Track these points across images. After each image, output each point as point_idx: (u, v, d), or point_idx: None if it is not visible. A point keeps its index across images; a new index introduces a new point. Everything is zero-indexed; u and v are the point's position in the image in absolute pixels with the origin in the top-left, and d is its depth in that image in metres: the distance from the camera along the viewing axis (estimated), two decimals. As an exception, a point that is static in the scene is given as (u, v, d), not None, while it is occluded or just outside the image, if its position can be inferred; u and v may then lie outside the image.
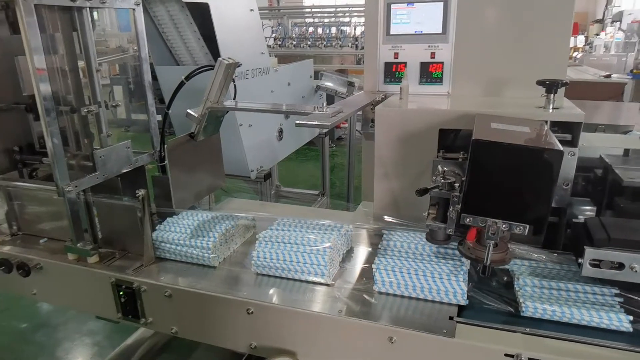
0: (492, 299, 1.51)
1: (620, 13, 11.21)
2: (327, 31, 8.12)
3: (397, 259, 1.61)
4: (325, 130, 4.44)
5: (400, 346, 1.39)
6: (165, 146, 1.71)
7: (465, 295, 1.48)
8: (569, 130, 1.68)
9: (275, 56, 7.30)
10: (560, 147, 1.23)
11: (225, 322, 1.64)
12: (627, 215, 1.61)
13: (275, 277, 1.71)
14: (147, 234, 1.78)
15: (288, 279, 1.69)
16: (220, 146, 2.00)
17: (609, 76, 4.46)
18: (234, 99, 2.05)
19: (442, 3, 2.03)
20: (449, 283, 1.49)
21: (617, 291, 1.45)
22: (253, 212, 2.11)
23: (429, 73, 2.14)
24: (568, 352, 1.29)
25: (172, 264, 1.84)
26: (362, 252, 1.89)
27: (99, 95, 1.97)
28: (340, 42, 7.83)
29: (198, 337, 1.75)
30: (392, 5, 2.11)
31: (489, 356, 1.32)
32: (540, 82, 1.72)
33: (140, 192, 1.74)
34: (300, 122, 1.50)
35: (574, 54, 12.93)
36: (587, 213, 1.81)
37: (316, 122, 1.50)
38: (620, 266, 1.37)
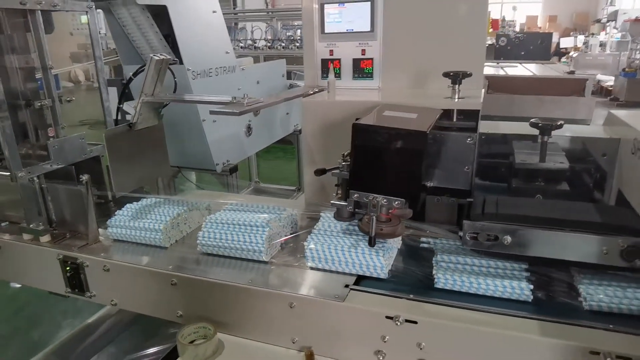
0: (418, 275, 1.63)
1: (615, 12, 11.24)
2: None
3: (328, 237, 1.73)
4: (299, 127, 4.63)
5: (299, 310, 1.55)
6: (103, 135, 1.88)
7: (386, 270, 1.61)
8: (471, 118, 1.83)
9: (263, 57, 7.53)
10: (425, 130, 1.37)
11: (154, 293, 1.81)
12: (519, 194, 1.76)
13: (219, 256, 1.85)
14: (91, 214, 1.96)
15: (230, 257, 1.83)
16: (164, 136, 2.18)
17: (572, 72, 4.59)
18: (174, 92, 2.21)
19: (369, 3, 2.18)
20: (370, 258, 1.62)
21: (527, 266, 1.57)
22: (208, 199, 2.28)
23: (361, 69, 2.30)
24: (444, 315, 1.42)
25: (126, 244, 1.99)
26: (306, 234, 2.02)
27: (53, 90, 2.17)
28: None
29: (134, 308, 1.92)
30: (325, 5, 2.27)
31: (371, 317, 1.46)
32: (446, 74, 1.87)
33: (84, 177, 1.92)
34: (214, 110, 1.66)
35: (571, 54, 12.98)
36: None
37: (227, 110, 1.66)
38: (496, 238, 1.51)
